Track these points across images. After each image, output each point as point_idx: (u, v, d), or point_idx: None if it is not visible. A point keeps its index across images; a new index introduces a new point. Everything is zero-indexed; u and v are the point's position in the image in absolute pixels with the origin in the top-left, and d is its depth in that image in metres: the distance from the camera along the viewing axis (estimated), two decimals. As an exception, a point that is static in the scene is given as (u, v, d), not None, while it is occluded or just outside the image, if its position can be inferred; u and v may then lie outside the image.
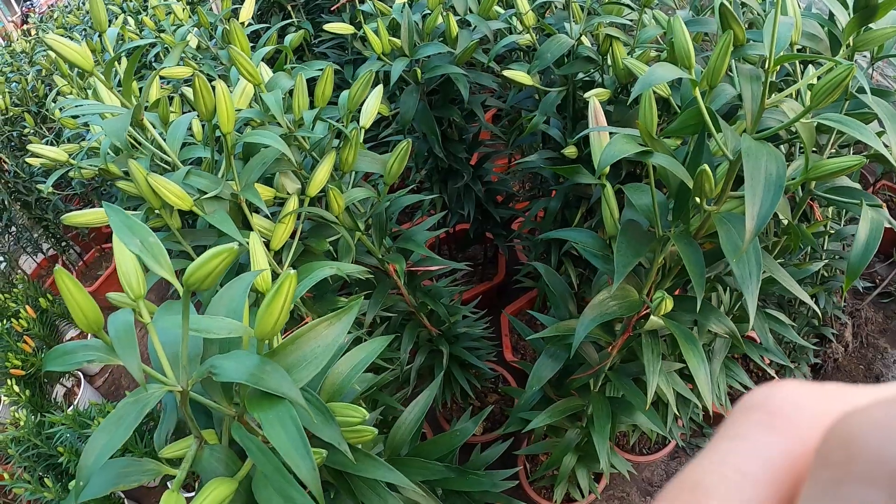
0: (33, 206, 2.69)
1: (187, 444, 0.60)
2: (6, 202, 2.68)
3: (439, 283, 1.27)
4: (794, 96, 0.70)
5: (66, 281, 0.42)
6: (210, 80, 1.28)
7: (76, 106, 0.84)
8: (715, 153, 0.68)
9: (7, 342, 2.12)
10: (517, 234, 1.60)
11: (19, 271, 2.92)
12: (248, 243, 0.68)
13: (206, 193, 0.77)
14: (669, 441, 1.68)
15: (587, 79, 1.17)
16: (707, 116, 0.61)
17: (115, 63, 0.90)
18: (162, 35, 1.41)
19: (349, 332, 0.94)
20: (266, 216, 0.85)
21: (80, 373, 2.50)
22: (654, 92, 0.91)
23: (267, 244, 0.84)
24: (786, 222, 0.73)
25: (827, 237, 1.18)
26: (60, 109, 1.02)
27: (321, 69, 0.97)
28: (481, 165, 1.58)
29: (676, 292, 0.84)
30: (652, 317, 0.77)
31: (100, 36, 0.87)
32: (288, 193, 0.87)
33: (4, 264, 2.89)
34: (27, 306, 2.38)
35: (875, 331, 2.07)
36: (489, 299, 2.03)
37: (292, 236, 0.87)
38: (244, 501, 0.55)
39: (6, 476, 1.67)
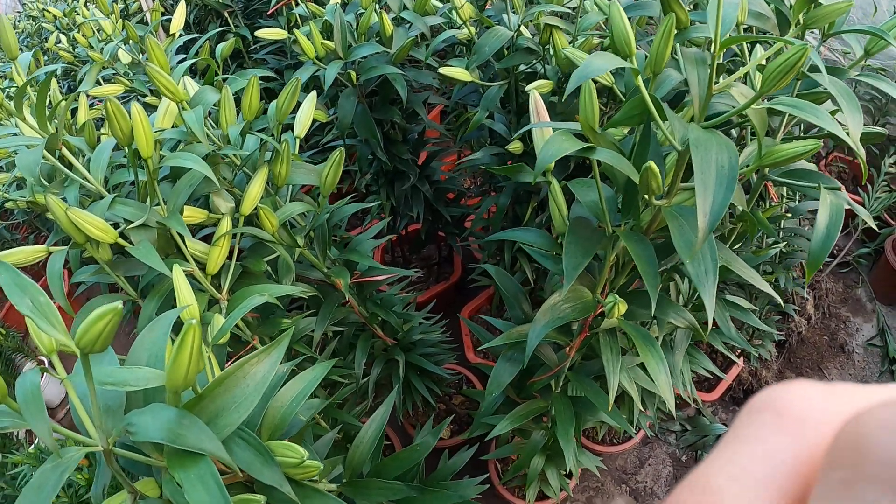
0: None
1: (123, 497, 0.56)
2: None
3: (390, 291, 1.23)
4: (743, 79, 0.67)
5: None
6: (143, 97, 1.22)
7: (3, 136, 0.79)
8: (663, 143, 0.66)
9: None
10: (469, 233, 1.57)
11: None
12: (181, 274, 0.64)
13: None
14: (639, 430, 1.67)
15: (529, 70, 1.14)
16: (651, 106, 0.57)
17: (28, 90, 0.84)
18: (90, 53, 1.34)
19: (288, 359, 0.90)
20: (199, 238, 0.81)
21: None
22: (598, 81, 0.88)
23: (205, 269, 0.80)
24: (741, 209, 0.70)
25: (783, 216, 1.17)
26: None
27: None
28: (429, 165, 1.54)
29: (635, 284, 0.81)
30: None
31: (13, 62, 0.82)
32: (222, 214, 0.82)
33: None
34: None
35: (836, 301, 2.10)
36: (447, 299, 1.99)
37: (230, 257, 0.82)
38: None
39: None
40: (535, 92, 0.77)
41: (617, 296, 0.66)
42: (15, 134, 0.85)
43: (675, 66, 0.70)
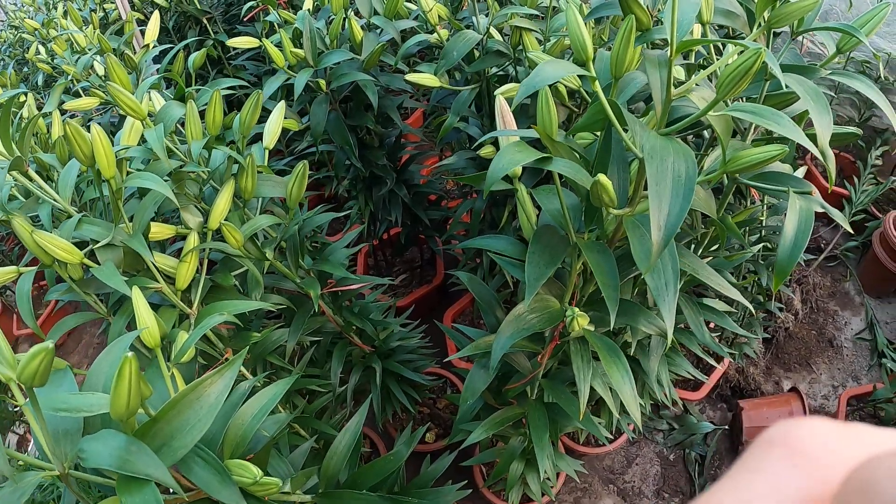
0: None
1: None
2: None
3: (368, 297, 1.22)
4: (710, 79, 0.67)
5: None
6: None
7: None
8: (627, 149, 0.65)
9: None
10: (447, 237, 1.56)
11: None
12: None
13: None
14: (622, 433, 1.66)
15: (502, 73, 1.13)
16: (610, 112, 0.57)
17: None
18: (64, 67, 1.33)
19: (263, 370, 0.89)
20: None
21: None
22: (563, 84, 0.88)
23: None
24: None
25: (765, 214, 1.15)
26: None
27: (232, 87, 0.92)
28: (407, 168, 1.53)
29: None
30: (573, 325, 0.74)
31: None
32: (190, 228, 0.81)
33: None
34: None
35: (824, 295, 2.10)
36: (431, 302, 1.99)
37: (201, 271, 0.81)
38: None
39: None
40: (501, 97, 0.76)
41: (576, 309, 0.65)
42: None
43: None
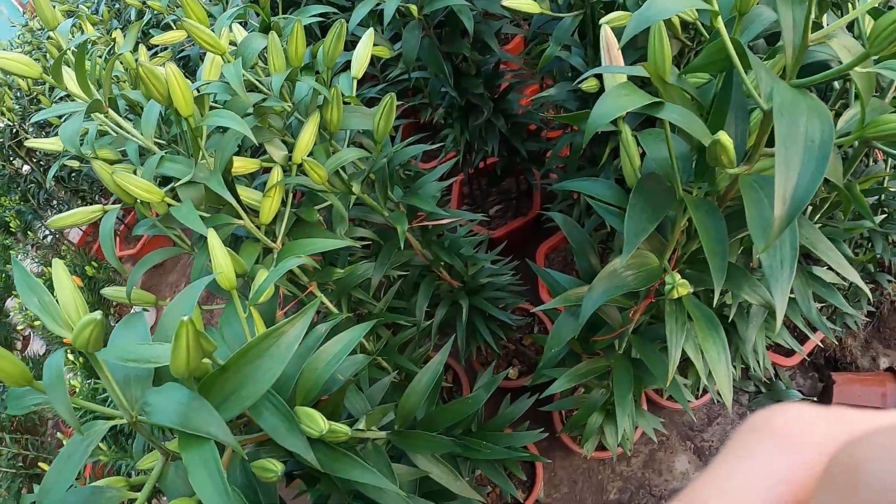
0: (67, 179, 2.75)
1: (155, 457, 0.57)
2: (40, 180, 2.74)
3: (460, 231, 1.19)
4: (850, 27, 0.57)
5: None
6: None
7: (53, 105, 0.80)
8: (748, 96, 0.57)
9: (58, 311, 2.15)
10: (546, 170, 1.50)
11: (66, 242, 2.99)
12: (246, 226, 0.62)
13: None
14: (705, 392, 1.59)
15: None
16: (733, 53, 0.49)
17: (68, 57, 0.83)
18: (150, 3, 1.32)
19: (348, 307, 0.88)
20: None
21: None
22: (678, 14, 0.79)
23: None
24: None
25: (887, 177, 1.02)
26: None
27: (319, 15, 0.88)
28: (505, 97, 1.47)
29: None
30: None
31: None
32: (274, 162, 0.79)
33: (51, 238, 2.96)
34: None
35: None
36: (525, 235, 1.94)
37: (285, 204, 0.80)
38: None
39: (65, 442, 1.70)
40: (607, 28, 0.68)
41: (677, 276, 0.59)
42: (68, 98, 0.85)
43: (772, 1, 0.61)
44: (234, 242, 0.84)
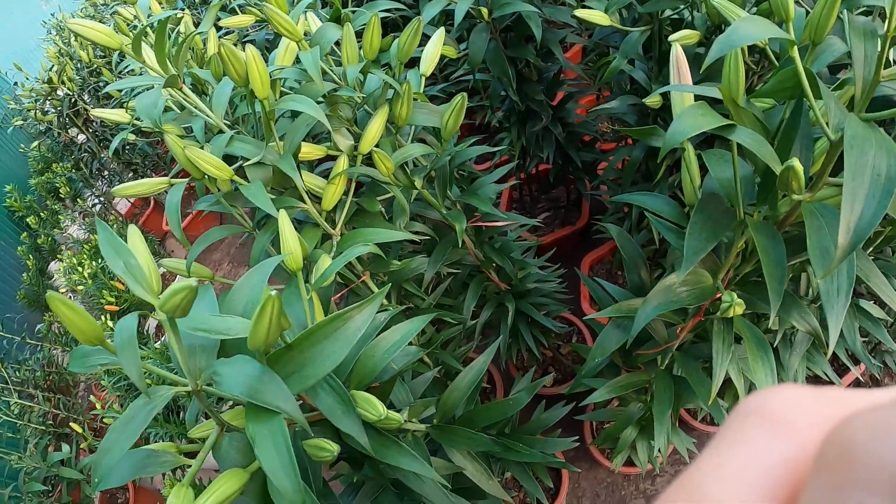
0: (121, 151, 2.79)
1: (210, 427, 0.59)
2: (95, 150, 2.79)
3: (510, 235, 1.20)
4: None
5: (59, 305, 0.40)
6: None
7: (138, 69, 0.82)
8: (814, 124, 0.58)
9: (102, 280, 2.20)
10: (599, 182, 1.50)
11: (114, 212, 3.06)
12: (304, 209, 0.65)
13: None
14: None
15: (676, 17, 1.05)
16: (805, 82, 0.50)
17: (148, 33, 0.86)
18: None
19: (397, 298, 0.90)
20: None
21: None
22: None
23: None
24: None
25: None
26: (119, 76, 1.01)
27: (386, 10, 0.90)
28: (563, 106, 1.48)
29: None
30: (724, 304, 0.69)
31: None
32: (340, 151, 0.82)
33: (100, 206, 3.02)
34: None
35: None
36: (571, 243, 1.94)
37: (348, 193, 0.82)
38: (259, 492, 0.53)
39: (98, 405, 1.75)
40: (678, 45, 0.69)
41: (735, 295, 0.60)
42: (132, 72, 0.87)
43: (838, 30, 0.61)
44: (295, 226, 0.86)
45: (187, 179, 0.77)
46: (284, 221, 0.60)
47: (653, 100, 0.99)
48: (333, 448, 0.53)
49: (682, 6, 0.98)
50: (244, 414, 0.46)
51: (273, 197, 0.76)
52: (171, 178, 0.79)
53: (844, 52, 0.62)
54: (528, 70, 1.33)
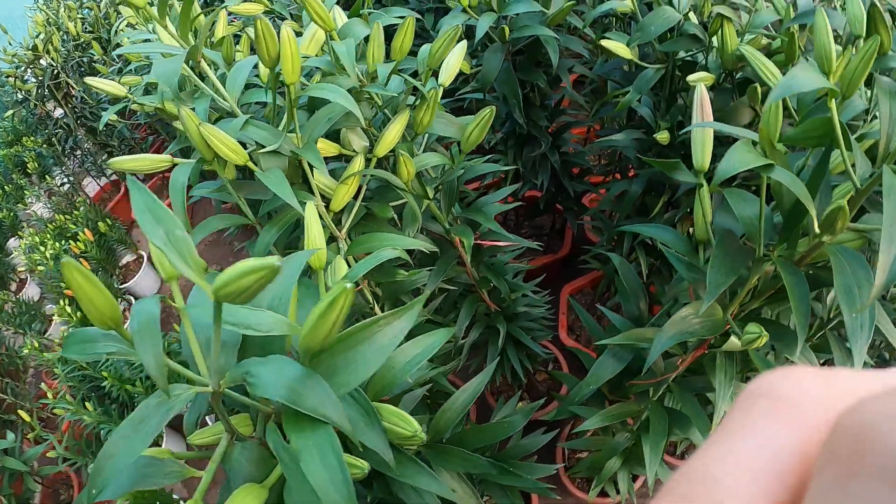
0: (98, 131, 2.69)
1: (219, 430, 0.55)
2: (72, 126, 2.71)
3: (502, 257, 1.21)
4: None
5: (75, 274, 0.34)
6: (280, 20, 1.21)
7: (137, 42, 0.80)
8: (832, 171, 0.60)
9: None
10: (591, 213, 1.52)
11: (81, 194, 2.97)
12: (317, 205, 0.63)
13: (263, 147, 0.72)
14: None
15: (688, 59, 1.08)
16: (839, 133, 0.53)
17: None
18: None
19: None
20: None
21: (130, 296, 2.51)
22: (765, 83, 0.82)
23: (328, 204, 0.80)
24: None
25: None
26: (120, 44, 0.98)
27: (402, 17, 0.90)
28: (560, 135, 1.50)
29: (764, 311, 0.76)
30: (732, 338, 0.70)
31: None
32: (354, 151, 0.81)
33: (68, 186, 2.93)
34: (86, 229, 2.38)
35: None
36: (552, 272, 1.95)
37: (355, 196, 0.81)
38: (275, 505, 0.50)
39: (49, 394, 1.68)
40: (703, 86, 0.71)
41: (762, 328, 0.61)
42: (147, 40, 0.85)
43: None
44: (298, 224, 0.83)
45: (194, 161, 0.74)
46: (312, 214, 0.58)
47: (662, 136, 1.01)
48: (364, 465, 0.50)
49: (696, 49, 1.00)
50: (284, 424, 0.42)
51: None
52: (174, 158, 0.77)
53: (862, 109, 0.65)
54: (533, 95, 1.35)
